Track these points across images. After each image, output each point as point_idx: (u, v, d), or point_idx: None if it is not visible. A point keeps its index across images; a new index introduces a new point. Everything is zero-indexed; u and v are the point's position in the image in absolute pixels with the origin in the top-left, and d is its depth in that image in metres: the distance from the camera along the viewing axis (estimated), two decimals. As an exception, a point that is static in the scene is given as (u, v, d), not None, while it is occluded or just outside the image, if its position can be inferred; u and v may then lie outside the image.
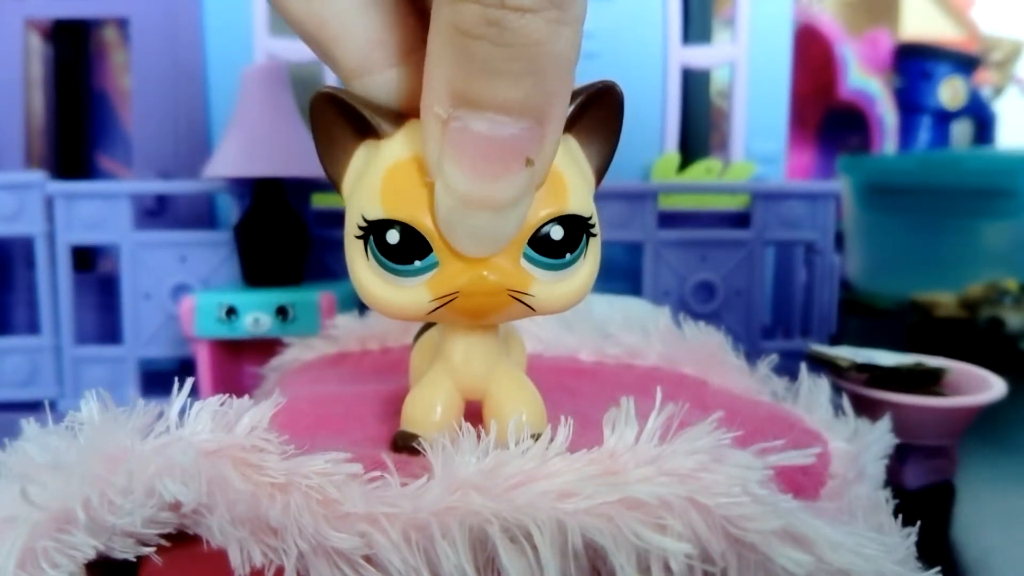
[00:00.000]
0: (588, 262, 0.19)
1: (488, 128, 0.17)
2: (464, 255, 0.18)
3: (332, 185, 0.20)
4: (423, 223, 0.18)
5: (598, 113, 0.20)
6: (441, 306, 0.19)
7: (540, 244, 0.19)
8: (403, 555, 0.16)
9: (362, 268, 0.19)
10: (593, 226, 0.19)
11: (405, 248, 0.18)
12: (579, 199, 0.19)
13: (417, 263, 0.18)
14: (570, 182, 0.19)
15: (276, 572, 0.17)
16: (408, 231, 0.18)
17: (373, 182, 0.19)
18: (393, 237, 0.18)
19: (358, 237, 0.19)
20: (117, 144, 0.63)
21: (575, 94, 0.19)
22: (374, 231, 0.18)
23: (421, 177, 0.18)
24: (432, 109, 0.17)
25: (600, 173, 0.20)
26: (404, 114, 0.19)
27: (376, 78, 0.19)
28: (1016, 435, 0.42)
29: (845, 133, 0.99)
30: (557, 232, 0.19)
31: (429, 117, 0.17)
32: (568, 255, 0.19)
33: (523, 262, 0.19)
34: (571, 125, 0.19)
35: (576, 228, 0.19)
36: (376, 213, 0.18)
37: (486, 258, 0.18)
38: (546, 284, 0.19)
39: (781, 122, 0.59)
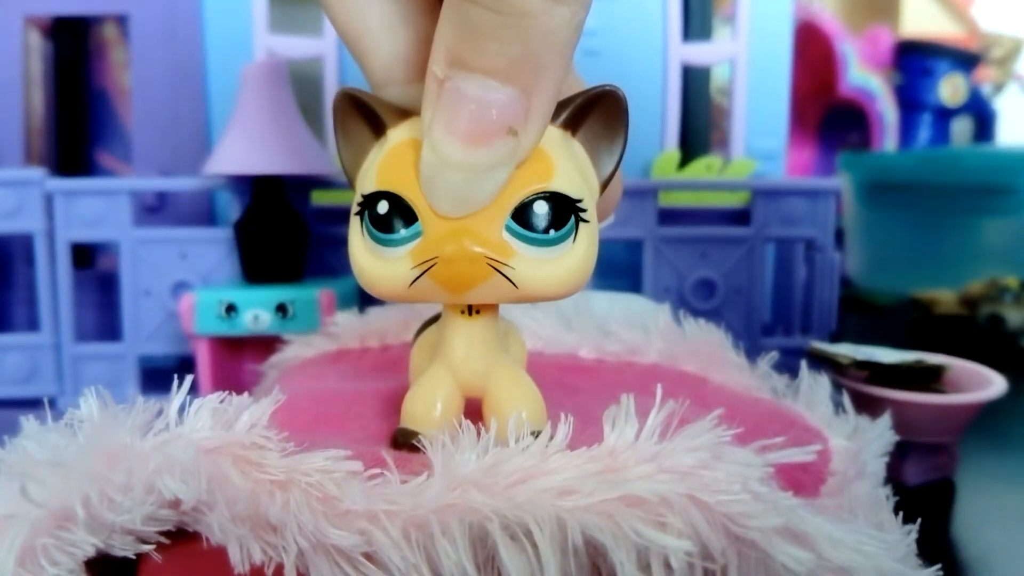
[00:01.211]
0: (580, 247, 0.19)
1: (476, 91, 0.17)
2: (449, 224, 0.19)
3: (348, 182, 0.21)
4: (410, 193, 0.19)
5: (601, 117, 0.20)
6: (422, 275, 0.19)
7: (524, 218, 0.19)
8: (403, 552, 0.16)
9: (357, 245, 0.20)
10: (584, 211, 0.19)
11: (392, 216, 0.19)
12: (567, 181, 0.19)
13: (403, 231, 0.19)
14: (559, 164, 0.19)
15: (276, 569, 0.17)
16: (396, 201, 0.19)
17: (373, 166, 0.20)
18: (383, 207, 0.19)
19: (356, 214, 0.20)
20: (117, 141, 0.63)
21: (574, 97, 0.19)
22: (368, 205, 0.19)
23: (415, 155, 0.19)
24: (432, 69, 0.18)
25: (607, 180, 0.20)
26: (410, 112, 0.20)
27: (398, 90, 0.21)
28: (1016, 432, 0.42)
29: (845, 130, 0.99)
30: (541, 206, 0.19)
31: (429, 77, 0.18)
32: (553, 232, 0.19)
33: (505, 234, 0.19)
34: (574, 128, 0.20)
35: (564, 208, 0.19)
36: (370, 188, 0.19)
37: (468, 227, 0.19)
38: (530, 261, 0.19)
39: (781, 119, 0.58)
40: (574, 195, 0.19)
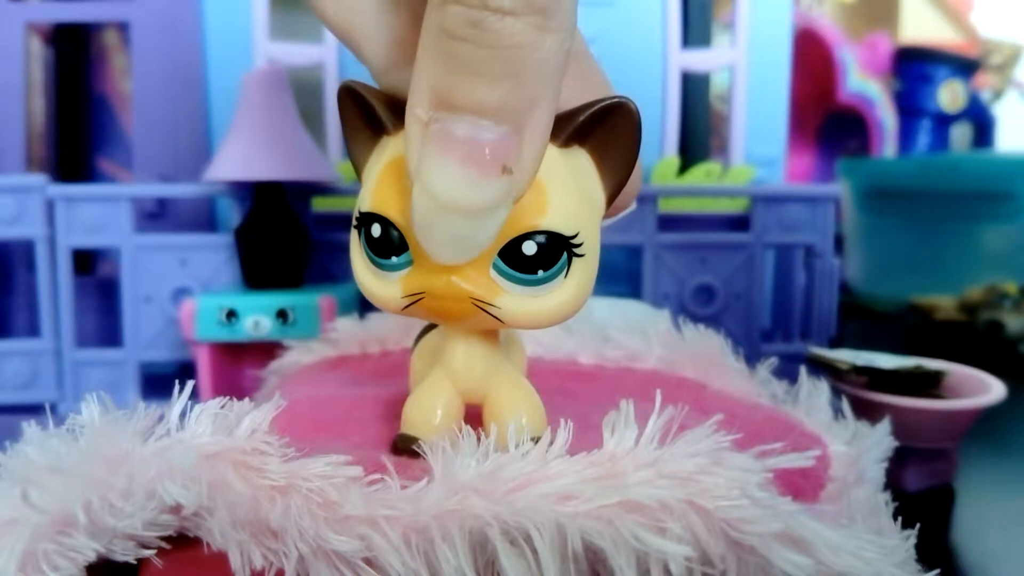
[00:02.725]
0: (571, 283, 0.19)
1: (466, 132, 0.17)
2: (439, 262, 0.18)
3: (356, 175, 0.21)
4: (402, 221, 0.18)
5: (612, 128, 0.19)
6: (411, 304, 0.19)
7: (512, 257, 0.18)
8: (403, 558, 0.16)
9: (357, 256, 0.20)
10: (578, 246, 0.18)
11: (385, 242, 0.19)
12: (561, 216, 0.18)
13: (395, 259, 0.19)
14: (554, 198, 0.18)
15: (276, 574, 0.17)
16: (388, 227, 0.19)
17: (372, 177, 0.19)
18: (376, 231, 0.19)
19: (355, 227, 0.20)
20: (118, 147, 0.63)
21: (585, 106, 0.19)
22: (364, 223, 0.19)
23: (406, 178, 0.18)
24: (414, 111, 0.17)
25: (615, 191, 0.20)
26: None
27: (399, 74, 0.20)
28: (1016, 438, 0.42)
29: (845, 136, 0.99)
30: (530, 247, 0.18)
31: (411, 120, 0.17)
32: (541, 272, 0.18)
33: (492, 273, 0.18)
34: (583, 139, 0.19)
35: (555, 246, 0.18)
36: (366, 206, 0.19)
37: (458, 265, 0.18)
38: (517, 298, 0.19)
39: (781, 126, 0.59)
40: (568, 232, 0.18)
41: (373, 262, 0.19)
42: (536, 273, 0.18)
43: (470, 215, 0.17)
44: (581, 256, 0.19)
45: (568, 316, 0.19)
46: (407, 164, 0.18)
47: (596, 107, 0.19)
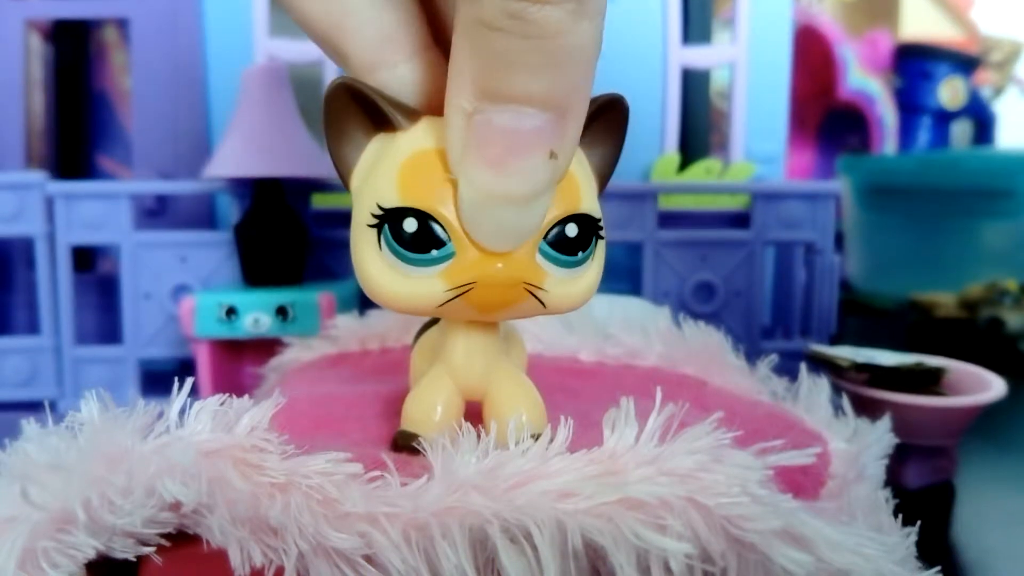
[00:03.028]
0: (595, 265, 0.20)
1: (511, 121, 0.17)
2: (484, 247, 0.18)
3: (339, 178, 0.20)
4: (442, 213, 0.18)
5: (604, 123, 0.20)
6: (456, 296, 0.19)
7: (555, 241, 0.19)
8: (403, 555, 0.16)
9: (371, 258, 0.19)
10: (602, 228, 0.20)
11: (422, 237, 0.18)
12: (590, 200, 0.19)
13: (434, 252, 0.18)
14: (583, 184, 0.19)
15: (276, 572, 0.17)
16: (425, 220, 0.18)
17: (389, 172, 0.19)
18: (411, 225, 0.18)
19: (371, 226, 0.19)
20: (117, 144, 0.63)
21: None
22: (389, 220, 0.18)
23: (440, 169, 0.18)
24: (456, 103, 0.17)
25: (603, 182, 0.21)
26: (417, 110, 0.20)
27: (387, 73, 0.20)
28: (1016, 435, 0.42)
29: (845, 133, 0.99)
30: (572, 230, 0.19)
31: (453, 111, 0.18)
32: (580, 253, 0.19)
33: (538, 257, 0.19)
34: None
35: (588, 228, 0.19)
36: (393, 201, 0.18)
37: (503, 252, 0.18)
38: (559, 282, 0.19)
39: (781, 122, 0.59)
40: (596, 215, 0.19)
41: (404, 259, 0.18)
42: (577, 255, 0.19)
43: (518, 202, 0.18)
44: (602, 239, 0.20)
45: (590, 298, 0.20)
46: (448, 155, 0.18)
47: (599, 101, 0.19)
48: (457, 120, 0.17)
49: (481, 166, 0.17)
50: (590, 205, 0.19)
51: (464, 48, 0.17)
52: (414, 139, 0.19)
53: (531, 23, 0.16)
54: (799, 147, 0.99)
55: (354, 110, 0.19)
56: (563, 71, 0.17)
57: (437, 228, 0.18)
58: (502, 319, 0.20)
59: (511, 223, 0.18)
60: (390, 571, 0.16)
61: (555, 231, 0.19)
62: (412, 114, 0.19)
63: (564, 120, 0.17)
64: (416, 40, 0.20)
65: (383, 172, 0.19)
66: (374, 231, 0.19)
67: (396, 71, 0.20)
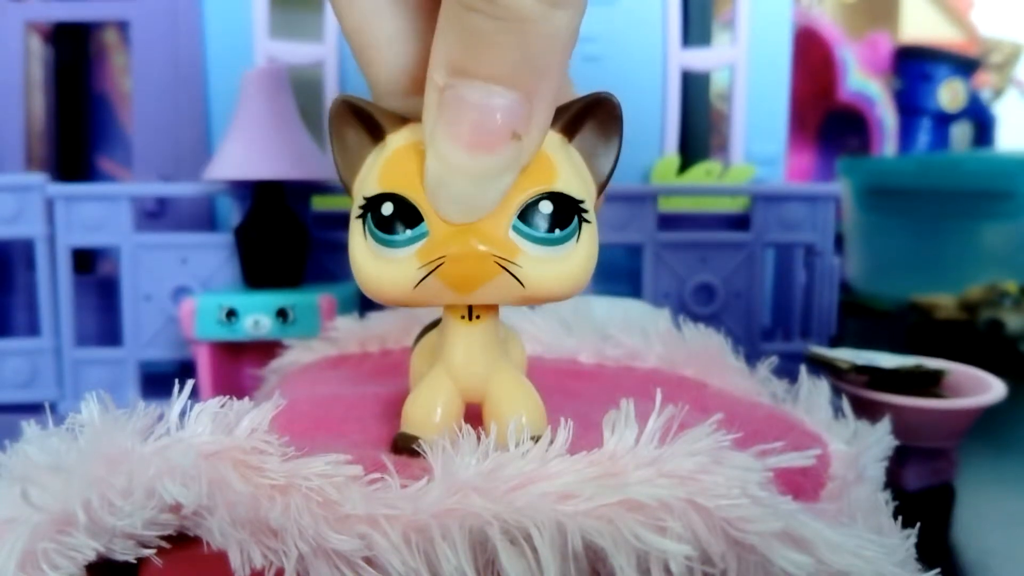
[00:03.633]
0: (583, 247, 0.20)
1: (479, 97, 0.18)
2: (448, 221, 0.19)
3: (344, 188, 0.21)
4: (415, 194, 0.19)
5: (597, 124, 0.20)
6: (428, 274, 0.19)
7: (529, 218, 0.19)
8: (403, 557, 0.16)
9: (359, 248, 0.20)
10: (586, 211, 0.20)
11: (398, 217, 0.19)
12: (569, 183, 0.20)
13: (408, 232, 0.19)
14: (560, 166, 0.20)
15: (276, 574, 0.17)
16: (401, 203, 0.19)
17: (375, 168, 0.20)
18: (387, 208, 0.19)
19: (358, 217, 0.20)
20: (117, 146, 0.63)
21: (570, 104, 0.20)
22: (371, 207, 0.20)
23: (418, 158, 0.19)
24: (431, 78, 0.18)
25: (603, 185, 0.21)
26: (408, 119, 0.20)
27: (399, 101, 0.21)
28: (1016, 437, 0.42)
29: (845, 135, 0.99)
30: (546, 206, 0.19)
31: (429, 87, 0.18)
32: (558, 231, 0.19)
33: (512, 234, 0.19)
34: (570, 135, 0.20)
35: (567, 208, 0.19)
36: (373, 190, 0.20)
37: (475, 226, 0.19)
38: (536, 260, 0.19)
39: (781, 124, 0.59)
40: (576, 196, 0.19)
41: (382, 243, 0.19)
42: (553, 232, 0.19)
43: (478, 178, 0.18)
44: (588, 223, 0.20)
45: (581, 285, 0.20)
46: (423, 130, 0.19)
47: (582, 101, 0.20)
48: (431, 95, 0.18)
49: (447, 139, 0.18)
50: (568, 186, 0.19)
51: (443, 26, 0.18)
52: (399, 139, 0.20)
53: (502, 5, 0.16)
54: (799, 149, 0.99)
55: (354, 124, 0.20)
56: (532, 55, 0.17)
57: (413, 209, 0.19)
58: (481, 300, 0.20)
59: (468, 197, 0.18)
60: (390, 573, 0.16)
61: (529, 208, 0.19)
62: (404, 121, 0.20)
63: (530, 103, 0.18)
64: None
65: (372, 169, 0.20)
66: (360, 221, 0.20)
67: (408, 101, 0.21)
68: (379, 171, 0.20)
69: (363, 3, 0.20)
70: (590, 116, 0.20)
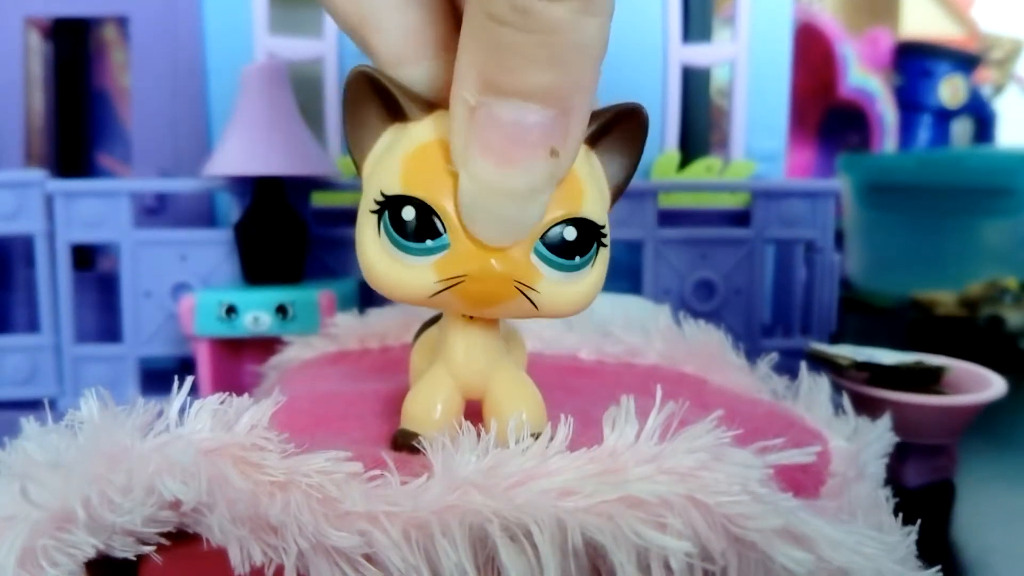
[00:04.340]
0: (595, 271, 0.20)
1: (514, 115, 0.17)
2: (479, 241, 0.18)
3: (353, 164, 0.20)
4: (441, 204, 0.18)
5: (623, 133, 0.20)
6: (445, 288, 0.19)
7: (552, 243, 0.19)
8: (403, 553, 0.16)
9: (371, 243, 0.19)
10: (605, 236, 0.19)
11: (419, 226, 0.19)
12: (594, 206, 0.19)
13: (429, 242, 0.19)
14: (587, 189, 0.19)
15: (276, 570, 0.17)
16: (424, 210, 0.18)
17: (395, 161, 0.19)
18: (408, 214, 0.19)
19: (373, 212, 0.19)
20: (117, 142, 0.63)
21: (601, 112, 0.19)
22: (390, 206, 0.19)
23: (443, 161, 0.18)
24: (461, 96, 0.17)
25: (618, 192, 0.21)
26: (434, 104, 0.20)
27: (411, 69, 0.20)
28: (1016, 434, 0.42)
29: (845, 131, 0.99)
30: (570, 233, 0.19)
31: (458, 103, 0.18)
32: (578, 258, 0.19)
33: (533, 257, 0.19)
34: (595, 142, 0.20)
35: (588, 233, 0.19)
36: (394, 189, 0.19)
37: (498, 248, 0.18)
38: (553, 284, 0.19)
39: (781, 120, 0.58)
40: (600, 221, 0.19)
41: (400, 247, 0.19)
42: (574, 259, 0.19)
43: (517, 197, 0.18)
44: (605, 247, 0.20)
45: (587, 305, 0.20)
46: (451, 148, 0.18)
47: (615, 110, 0.19)
48: (461, 112, 0.18)
49: (482, 159, 0.17)
50: (593, 211, 0.19)
51: (470, 41, 0.17)
52: (423, 131, 0.19)
53: (536, 18, 0.16)
54: (799, 145, 0.99)
55: (372, 99, 0.19)
56: (567, 68, 0.17)
57: (435, 219, 0.18)
58: (493, 316, 0.20)
59: (508, 218, 0.18)
60: (390, 570, 0.16)
61: (553, 232, 0.19)
62: (426, 106, 0.19)
63: (567, 117, 0.17)
64: (441, 38, 0.20)
65: (390, 161, 0.19)
66: (375, 217, 0.19)
67: (419, 67, 0.20)
68: (401, 168, 0.19)
69: None
70: (618, 125, 0.20)
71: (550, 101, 0.17)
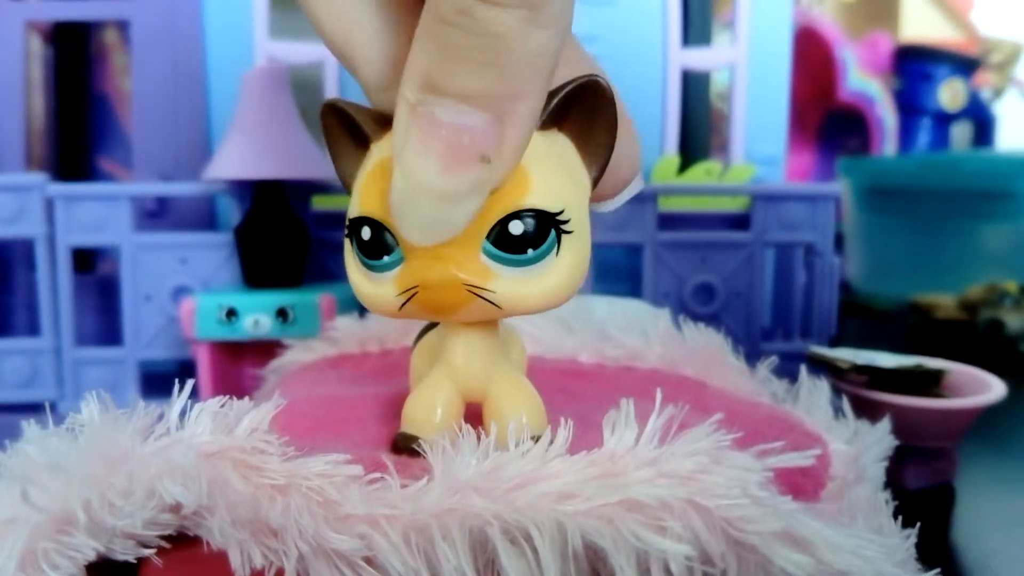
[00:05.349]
0: (564, 260, 0.19)
1: (449, 116, 0.17)
2: (427, 251, 0.18)
3: (346, 192, 0.21)
4: (388, 219, 0.18)
5: (587, 109, 0.19)
6: (407, 301, 0.19)
7: (500, 239, 0.18)
8: (403, 557, 0.16)
9: (351, 265, 0.20)
10: (565, 222, 0.19)
11: (376, 244, 0.19)
12: (545, 194, 0.18)
13: (386, 258, 0.19)
14: (535, 178, 0.18)
15: (276, 574, 0.17)
16: (377, 227, 0.19)
17: (359, 183, 0.20)
18: (366, 233, 0.19)
19: (347, 236, 0.20)
20: (117, 146, 0.63)
21: (556, 91, 0.19)
22: (353, 229, 0.19)
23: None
24: (403, 94, 0.17)
25: (601, 169, 0.20)
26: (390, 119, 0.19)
27: (394, 94, 0.20)
28: (1016, 437, 0.42)
29: (845, 135, 0.99)
30: (516, 227, 0.18)
31: (400, 102, 0.18)
32: (531, 251, 0.18)
33: (483, 257, 0.18)
34: (559, 123, 0.19)
35: (542, 223, 0.18)
36: (353, 211, 0.19)
37: (446, 253, 0.18)
38: (511, 281, 0.19)
39: (781, 124, 0.59)
40: (552, 209, 0.18)
41: (367, 266, 0.19)
42: (526, 252, 0.18)
43: (442, 199, 0.17)
44: (569, 233, 0.19)
45: (566, 297, 0.19)
46: (392, 147, 0.18)
47: (569, 87, 0.19)
48: (402, 111, 0.18)
49: (414, 157, 0.17)
50: (543, 199, 0.18)
51: (419, 42, 0.17)
52: (381, 148, 0.19)
53: (479, 21, 0.16)
54: (799, 149, 0.99)
55: (342, 128, 0.20)
56: (506, 75, 0.16)
57: (387, 235, 0.19)
58: (462, 320, 0.20)
59: (433, 218, 0.18)
60: (390, 573, 0.16)
61: (497, 229, 0.18)
62: (386, 123, 0.19)
63: (502, 125, 0.17)
64: None
65: (359, 183, 0.20)
66: (349, 241, 0.20)
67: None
68: (361, 190, 0.19)
69: (342, 3, 0.19)
70: (579, 102, 0.19)
71: (485, 105, 0.17)
